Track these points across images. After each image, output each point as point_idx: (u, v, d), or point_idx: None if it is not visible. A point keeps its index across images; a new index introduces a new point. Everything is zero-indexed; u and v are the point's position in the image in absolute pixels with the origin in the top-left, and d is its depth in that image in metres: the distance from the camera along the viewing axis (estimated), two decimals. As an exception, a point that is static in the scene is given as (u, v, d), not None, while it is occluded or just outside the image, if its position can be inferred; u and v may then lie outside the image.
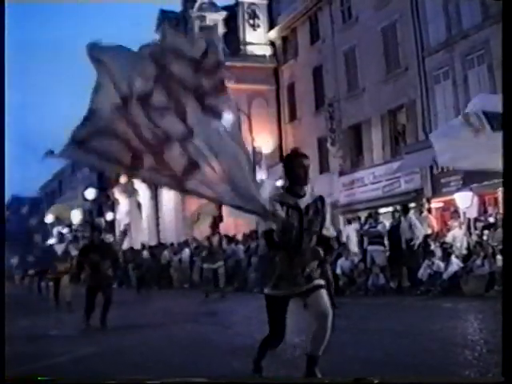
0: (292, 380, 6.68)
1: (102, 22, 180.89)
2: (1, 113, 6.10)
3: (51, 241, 58.90)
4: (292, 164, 6.81)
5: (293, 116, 42.05)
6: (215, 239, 24.34)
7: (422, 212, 22.93)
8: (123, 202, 54.40)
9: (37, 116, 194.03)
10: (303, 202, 6.74)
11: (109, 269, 14.80)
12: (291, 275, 6.65)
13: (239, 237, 29.85)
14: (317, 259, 6.76)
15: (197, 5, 43.61)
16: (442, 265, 19.22)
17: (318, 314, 6.58)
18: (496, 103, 10.53)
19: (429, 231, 21.81)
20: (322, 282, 6.80)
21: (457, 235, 21.05)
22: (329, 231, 6.93)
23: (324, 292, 6.73)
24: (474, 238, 20.84)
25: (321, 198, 6.94)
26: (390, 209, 28.82)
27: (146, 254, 34.19)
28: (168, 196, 44.75)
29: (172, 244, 35.00)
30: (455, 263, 18.74)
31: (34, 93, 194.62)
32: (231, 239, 29.25)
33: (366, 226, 22.67)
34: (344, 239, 23.06)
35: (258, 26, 44.55)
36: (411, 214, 22.10)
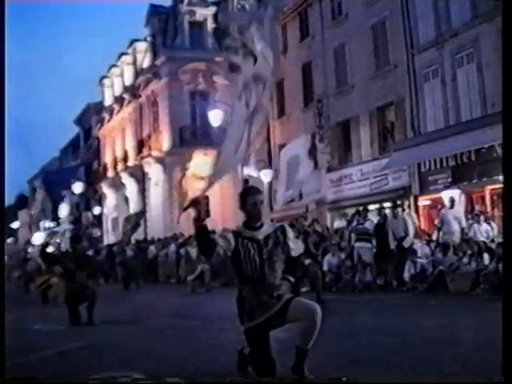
0: (276, 380, 6.67)
1: (98, 19, 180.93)
2: (1, 113, 6.06)
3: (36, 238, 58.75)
4: (245, 201, 6.92)
5: (281, 112, 42.00)
6: (193, 251, 24.55)
7: (404, 210, 23.04)
8: (111, 196, 54.30)
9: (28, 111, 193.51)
10: (261, 233, 6.87)
11: (84, 280, 14.54)
12: (261, 304, 6.71)
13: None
14: (286, 287, 6.93)
15: (186, 0, 43.56)
16: (425, 263, 19.39)
17: (305, 312, 6.58)
18: None
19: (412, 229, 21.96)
20: (291, 295, 6.87)
21: (443, 233, 21.15)
22: (296, 251, 7.08)
23: (298, 298, 6.85)
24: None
25: (282, 228, 7.08)
26: (378, 206, 28.94)
27: (132, 248, 34.12)
28: (155, 191, 44.70)
29: (159, 239, 34.97)
30: (452, 258, 18.84)
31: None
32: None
33: (354, 223, 22.71)
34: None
35: (248, 21, 44.50)
36: (400, 211, 22.17)
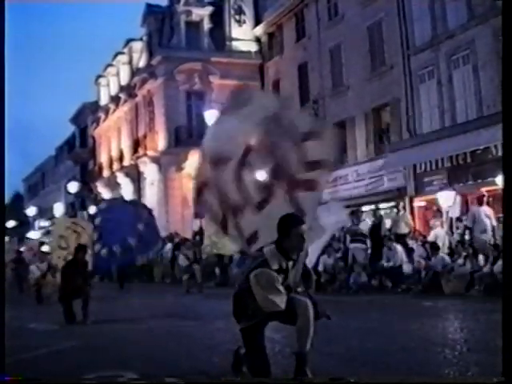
0: (274, 380, 6.68)
1: (94, 19, 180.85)
2: (1, 112, 6.03)
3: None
4: (289, 232, 6.71)
5: (277, 112, 41.99)
6: (189, 253, 24.43)
7: (399, 211, 23.10)
8: (106, 196, 54.17)
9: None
10: (291, 264, 6.83)
11: (79, 281, 14.63)
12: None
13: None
14: None
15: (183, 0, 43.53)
16: (423, 262, 19.42)
17: (297, 306, 6.59)
18: None
19: (406, 230, 21.98)
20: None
21: (439, 234, 21.12)
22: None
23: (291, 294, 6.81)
24: (456, 237, 20.92)
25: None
26: (373, 207, 28.95)
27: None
28: (151, 191, 44.65)
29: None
30: (445, 258, 18.82)
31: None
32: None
33: (349, 224, 22.69)
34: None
35: (244, 21, 44.54)
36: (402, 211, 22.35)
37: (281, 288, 6.55)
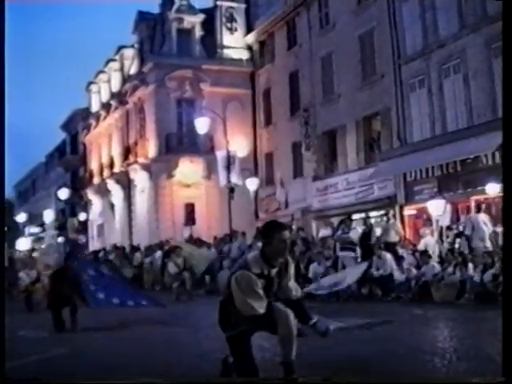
0: (267, 380, 6.67)
1: (98, 23, 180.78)
2: (1, 113, 6.02)
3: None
4: (272, 238, 6.69)
5: (268, 120, 42.04)
6: (178, 260, 24.33)
7: (389, 219, 23.14)
8: (96, 203, 54.10)
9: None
10: (274, 271, 6.79)
11: (67, 290, 14.66)
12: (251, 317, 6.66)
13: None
14: None
15: (175, 7, 43.49)
16: (414, 270, 19.42)
17: (277, 315, 6.59)
18: None
19: (397, 238, 22.01)
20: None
21: (429, 243, 21.16)
22: (297, 292, 7.10)
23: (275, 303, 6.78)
24: (446, 245, 20.96)
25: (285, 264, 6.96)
26: (363, 215, 28.97)
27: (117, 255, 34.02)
28: (141, 198, 44.57)
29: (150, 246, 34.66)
30: (435, 267, 18.83)
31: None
32: (203, 242, 29.26)
33: (339, 232, 22.71)
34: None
35: (236, 29, 44.54)
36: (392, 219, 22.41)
37: (260, 292, 6.56)
